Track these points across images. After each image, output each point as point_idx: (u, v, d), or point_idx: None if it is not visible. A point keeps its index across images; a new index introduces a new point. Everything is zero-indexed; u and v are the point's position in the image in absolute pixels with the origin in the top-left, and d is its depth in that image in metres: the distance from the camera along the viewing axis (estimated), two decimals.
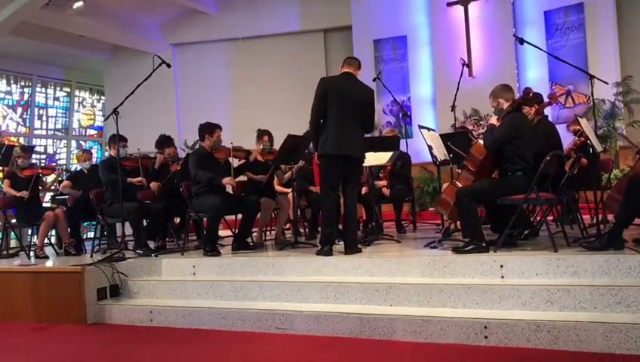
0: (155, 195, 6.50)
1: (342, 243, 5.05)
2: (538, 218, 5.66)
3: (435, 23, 10.56)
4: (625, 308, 3.55)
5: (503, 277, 4.11)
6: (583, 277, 3.89)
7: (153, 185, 6.37)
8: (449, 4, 10.41)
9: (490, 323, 3.64)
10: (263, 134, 6.41)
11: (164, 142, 6.69)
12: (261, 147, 6.35)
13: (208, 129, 5.88)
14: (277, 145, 6.20)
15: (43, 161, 12.87)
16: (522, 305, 3.81)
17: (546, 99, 5.40)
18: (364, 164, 5.30)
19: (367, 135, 5.34)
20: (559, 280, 3.93)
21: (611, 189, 5.11)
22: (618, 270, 3.81)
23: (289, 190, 6.38)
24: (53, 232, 7.48)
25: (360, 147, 4.97)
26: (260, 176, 6.22)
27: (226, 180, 5.80)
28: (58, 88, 13.91)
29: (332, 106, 4.88)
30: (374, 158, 5.57)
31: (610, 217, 4.72)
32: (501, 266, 4.13)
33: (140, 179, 6.30)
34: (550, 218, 5.51)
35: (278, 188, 6.70)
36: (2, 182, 7.18)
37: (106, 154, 7.13)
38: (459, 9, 10.37)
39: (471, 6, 10.28)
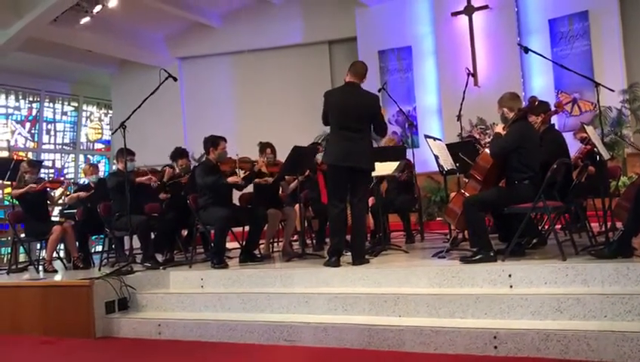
0: (162, 208, 6.51)
1: (350, 253, 5.04)
2: (546, 226, 5.63)
3: (439, 32, 10.60)
4: (636, 316, 3.52)
5: (511, 286, 4.09)
6: (593, 286, 3.87)
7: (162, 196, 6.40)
8: (453, 14, 10.44)
9: (499, 333, 3.62)
10: (265, 147, 6.40)
11: (179, 154, 6.76)
12: (265, 159, 6.34)
13: (212, 142, 5.90)
14: (280, 157, 6.21)
15: (51, 176, 12.94)
16: (531, 314, 3.78)
17: (552, 108, 5.39)
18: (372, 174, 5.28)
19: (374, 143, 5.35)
20: (568, 288, 3.90)
21: (620, 197, 5.08)
22: (628, 278, 3.78)
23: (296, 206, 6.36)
24: (62, 246, 7.50)
25: (366, 158, 4.94)
26: (265, 179, 6.20)
27: (231, 179, 5.80)
28: (66, 103, 14.04)
29: (334, 118, 4.96)
30: (380, 168, 5.56)
31: (619, 225, 4.69)
32: (509, 275, 4.11)
33: (149, 176, 6.31)
34: (558, 226, 5.48)
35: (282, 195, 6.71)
36: (12, 198, 7.19)
37: (114, 168, 7.15)
38: (463, 19, 10.40)
39: (475, 15, 10.30)
